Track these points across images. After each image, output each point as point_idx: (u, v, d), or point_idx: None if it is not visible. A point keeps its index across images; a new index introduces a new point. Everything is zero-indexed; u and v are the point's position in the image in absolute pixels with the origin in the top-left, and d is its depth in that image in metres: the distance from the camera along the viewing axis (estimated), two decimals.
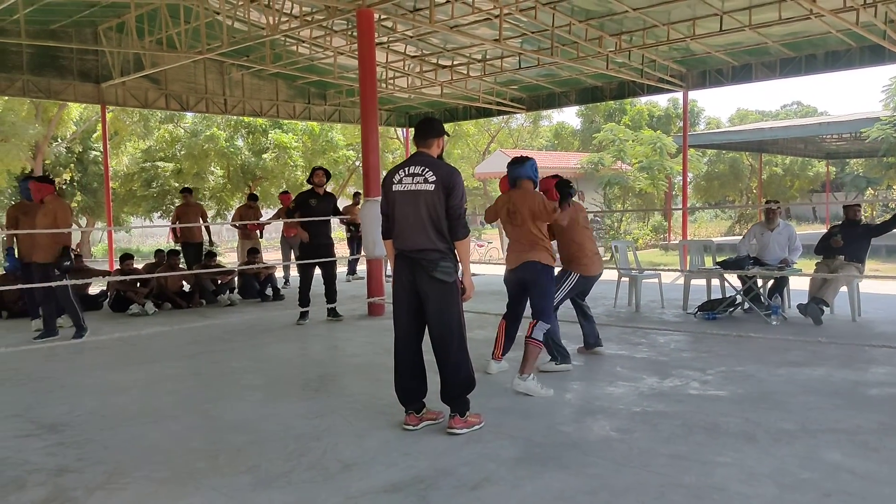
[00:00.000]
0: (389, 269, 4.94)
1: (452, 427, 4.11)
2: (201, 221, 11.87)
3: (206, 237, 12.62)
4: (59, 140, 22.16)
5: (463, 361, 4.16)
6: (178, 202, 15.38)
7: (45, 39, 11.69)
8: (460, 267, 4.19)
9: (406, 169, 4.15)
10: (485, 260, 18.21)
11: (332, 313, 8.64)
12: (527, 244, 5.09)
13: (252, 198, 13.32)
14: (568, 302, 5.98)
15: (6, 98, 17.72)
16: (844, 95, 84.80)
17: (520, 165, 5.24)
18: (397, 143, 26.64)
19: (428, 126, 4.26)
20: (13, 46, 11.76)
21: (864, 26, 9.96)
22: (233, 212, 17.46)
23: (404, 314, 4.21)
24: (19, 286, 7.73)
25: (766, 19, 10.39)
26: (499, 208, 5.32)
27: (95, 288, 11.06)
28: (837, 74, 17.55)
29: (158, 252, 11.15)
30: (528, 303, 5.22)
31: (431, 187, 4.03)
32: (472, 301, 4.39)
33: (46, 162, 21.47)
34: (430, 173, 4.06)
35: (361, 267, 12.48)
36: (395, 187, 4.15)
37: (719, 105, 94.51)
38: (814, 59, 12.03)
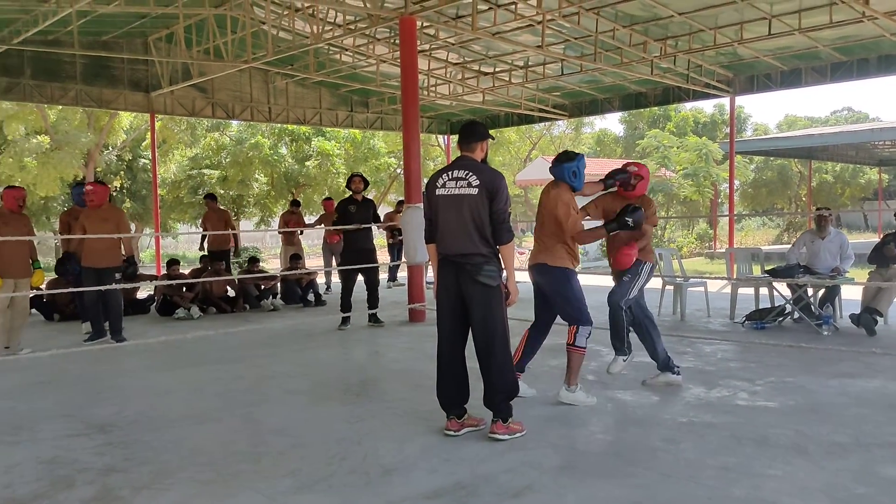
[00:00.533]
0: (430, 275, 4.90)
1: (494, 432, 4.07)
2: (228, 228, 11.56)
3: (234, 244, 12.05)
4: (110, 148, 22.75)
5: (506, 367, 4.12)
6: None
7: (98, 50, 12.02)
8: (504, 272, 4.15)
9: (450, 173, 4.13)
10: (525, 267, 18.12)
11: (374, 319, 8.66)
12: (540, 244, 4.87)
13: (294, 204, 13.49)
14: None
15: (60, 107, 18.30)
16: None
17: (557, 165, 4.79)
18: (438, 150, 26.71)
19: (472, 129, 4.24)
20: (67, 57, 12.15)
21: None
22: (277, 218, 17.71)
23: (448, 318, 4.18)
24: (71, 289, 7.96)
25: (816, 23, 10.14)
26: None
27: (143, 292, 11.30)
28: (891, 79, 17.02)
29: (204, 258, 11.34)
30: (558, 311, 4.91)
31: (475, 191, 4.01)
32: (516, 307, 4.34)
33: (98, 170, 22.04)
34: (474, 177, 4.03)
35: (402, 273, 12.53)
36: (439, 191, 4.13)
37: (767, 111, 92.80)
38: (866, 63, 11.70)
